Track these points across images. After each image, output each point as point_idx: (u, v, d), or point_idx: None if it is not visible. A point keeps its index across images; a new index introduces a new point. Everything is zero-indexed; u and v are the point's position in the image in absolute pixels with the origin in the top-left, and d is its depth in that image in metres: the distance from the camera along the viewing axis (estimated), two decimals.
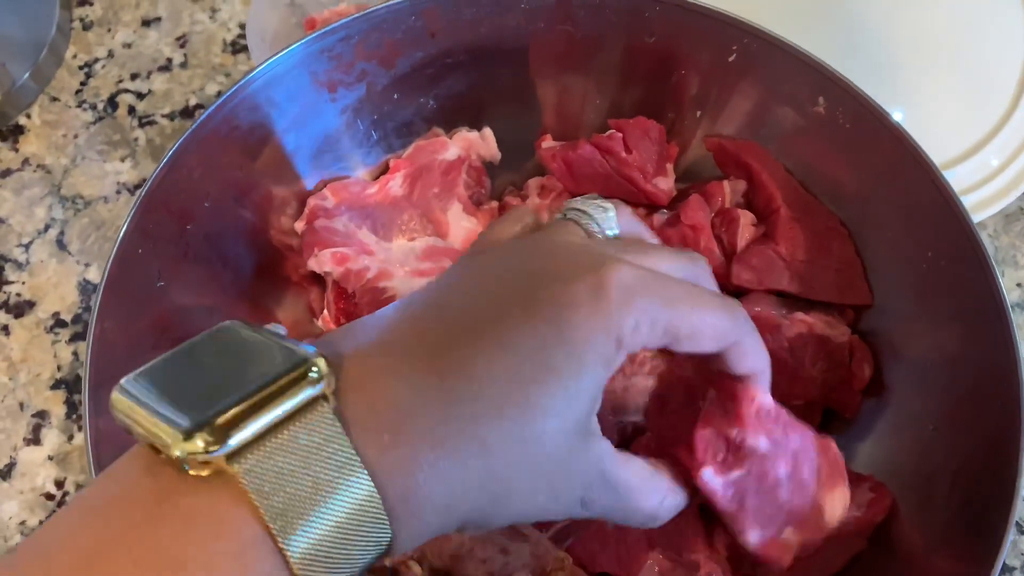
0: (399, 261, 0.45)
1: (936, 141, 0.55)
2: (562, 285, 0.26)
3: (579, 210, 0.32)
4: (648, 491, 0.30)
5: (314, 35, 0.42)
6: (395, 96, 0.48)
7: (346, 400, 0.24)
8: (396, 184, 0.48)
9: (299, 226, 0.45)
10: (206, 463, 0.21)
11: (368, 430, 0.23)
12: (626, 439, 0.45)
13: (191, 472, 0.21)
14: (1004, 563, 0.42)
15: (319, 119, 0.46)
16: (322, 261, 0.42)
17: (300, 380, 0.22)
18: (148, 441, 0.22)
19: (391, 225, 0.46)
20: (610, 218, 0.32)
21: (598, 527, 0.39)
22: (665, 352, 0.44)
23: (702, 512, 0.38)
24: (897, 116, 0.54)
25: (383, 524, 0.23)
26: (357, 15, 0.43)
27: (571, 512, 0.28)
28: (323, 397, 0.23)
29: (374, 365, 0.25)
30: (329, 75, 0.44)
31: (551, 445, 0.26)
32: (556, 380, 0.25)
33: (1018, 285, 0.55)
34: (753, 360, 0.30)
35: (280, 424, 0.22)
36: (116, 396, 0.23)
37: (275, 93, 0.43)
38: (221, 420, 0.21)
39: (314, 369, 0.23)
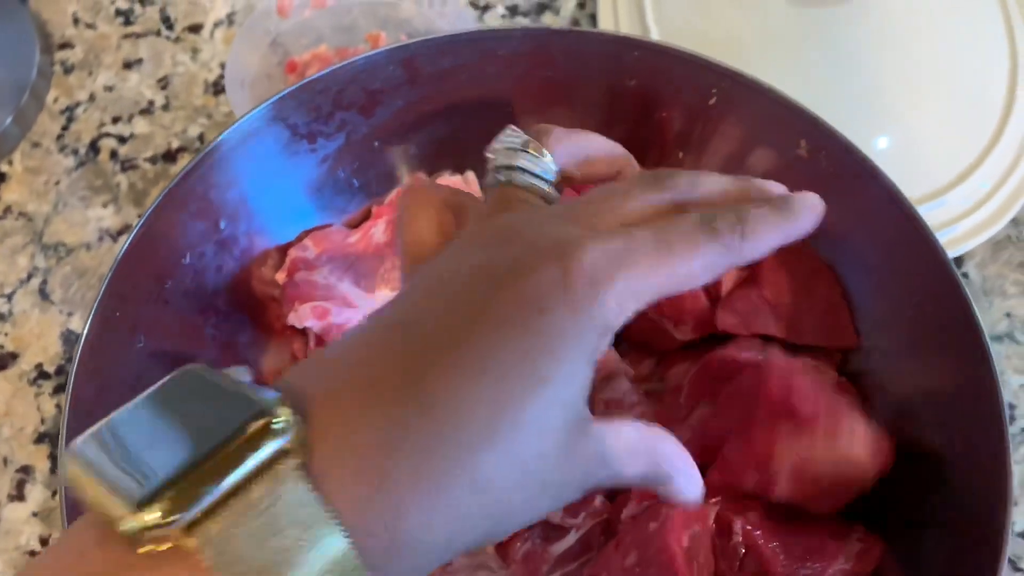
0: None
1: (923, 169, 0.55)
2: (529, 285, 0.24)
3: (510, 168, 0.29)
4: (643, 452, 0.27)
5: (291, 88, 0.42)
6: (375, 144, 0.47)
7: (317, 450, 0.21)
8: (379, 231, 0.48)
9: (280, 278, 0.45)
10: (162, 537, 0.19)
11: (344, 484, 0.21)
12: (614, 490, 0.44)
13: (144, 549, 0.19)
14: None
15: (299, 170, 0.46)
16: (302, 316, 0.42)
17: (263, 434, 0.20)
18: (99, 512, 0.20)
19: (373, 275, 0.46)
20: (547, 164, 0.30)
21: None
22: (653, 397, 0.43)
23: None
24: (883, 143, 0.54)
25: None
26: (335, 66, 0.43)
27: (573, 499, 0.26)
28: (289, 451, 0.21)
29: (344, 405, 0.23)
30: (308, 126, 0.44)
31: (552, 457, 0.24)
32: (547, 388, 0.23)
33: (1007, 315, 0.54)
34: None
35: (243, 486, 0.20)
36: (65, 461, 0.21)
37: (253, 147, 0.43)
38: (175, 489, 0.19)
39: (277, 420, 0.21)
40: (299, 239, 0.46)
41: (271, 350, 0.47)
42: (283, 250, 0.46)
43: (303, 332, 0.46)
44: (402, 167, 0.49)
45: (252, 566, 0.20)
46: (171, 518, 0.19)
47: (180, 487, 0.19)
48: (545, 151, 0.30)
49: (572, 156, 0.31)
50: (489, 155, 0.31)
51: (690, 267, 0.26)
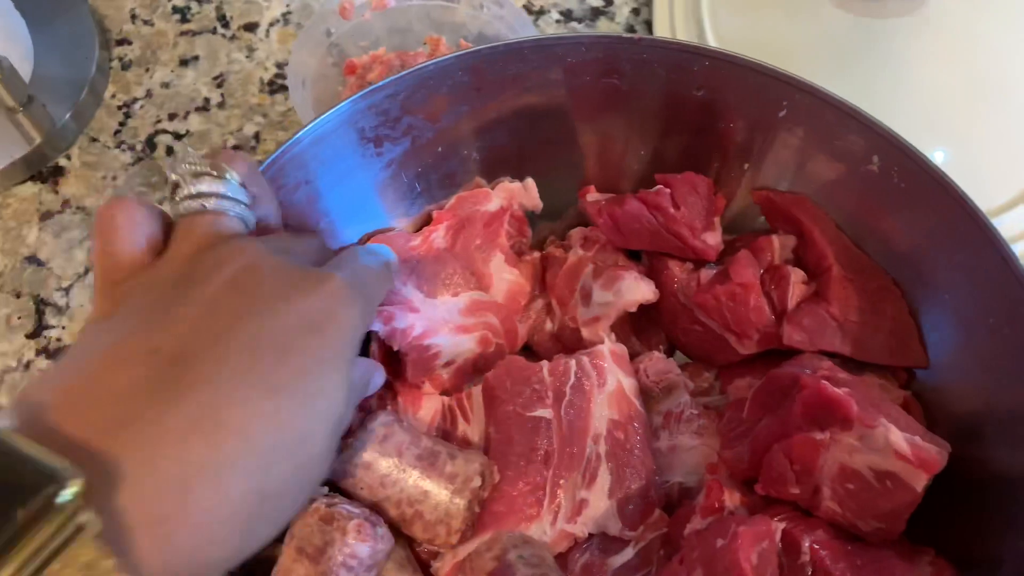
0: (443, 318, 0.44)
1: (981, 185, 0.55)
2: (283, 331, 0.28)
3: (202, 195, 0.30)
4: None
5: (364, 92, 0.42)
6: (439, 149, 0.47)
7: (112, 509, 0.23)
8: (439, 236, 0.48)
9: None
10: None
11: (139, 547, 0.23)
12: (672, 503, 0.44)
13: None
14: None
15: (365, 173, 0.45)
16: None
17: (48, 512, 0.20)
18: None
19: (435, 280, 0.46)
20: (234, 186, 0.31)
21: None
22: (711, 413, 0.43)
23: None
24: (939, 157, 0.53)
25: None
26: (405, 72, 0.43)
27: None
28: (81, 527, 0.21)
29: (131, 450, 0.24)
30: (376, 130, 0.44)
31: (322, 460, 0.29)
32: (324, 408, 0.29)
33: None
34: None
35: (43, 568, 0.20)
36: None
37: (322, 150, 0.42)
38: None
39: (65, 493, 0.20)
40: (361, 241, 0.46)
41: None
42: None
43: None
44: (463, 173, 0.49)
45: None
46: None
47: None
48: (226, 169, 0.31)
49: (249, 179, 0.33)
50: (174, 179, 0.31)
51: (384, 291, 0.38)
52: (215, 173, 0.30)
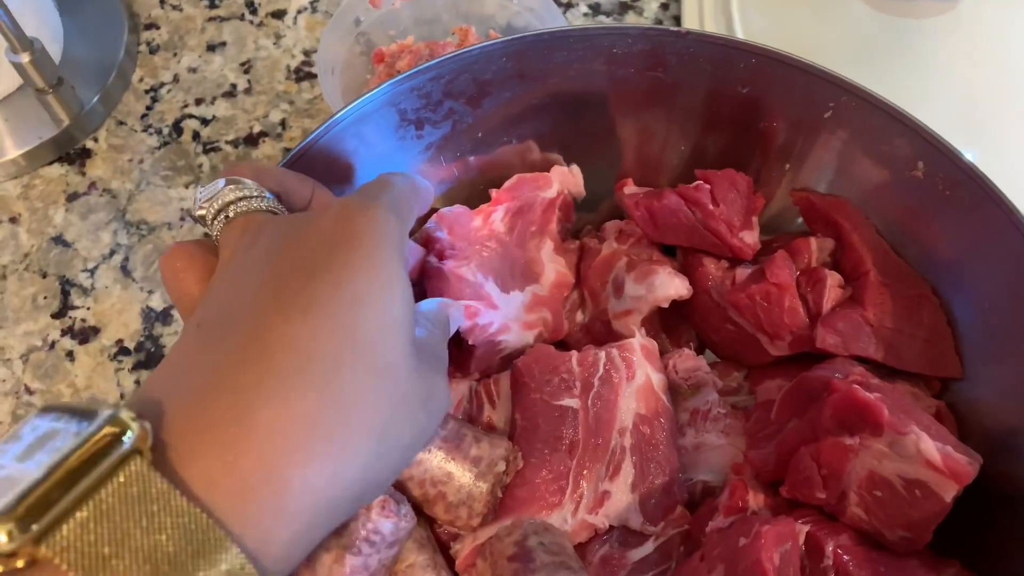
0: (515, 316, 0.45)
1: (1016, 189, 0.53)
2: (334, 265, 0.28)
3: (226, 206, 0.32)
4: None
5: (405, 75, 0.42)
6: (479, 135, 0.47)
7: (170, 446, 0.23)
8: (498, 218, 0.47)
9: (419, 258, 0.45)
10: (13, 554, 0.20)
11: (196, 463, 0.23)
12: (694, 500, 0.44)
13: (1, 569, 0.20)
14: None
15: (404, 155, 0.46)
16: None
17: (108, 442, 0.22)
18: None
19: (506, 275, 0.45)
20: (250, 185, 0.32)
21: None
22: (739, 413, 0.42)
23: None
24: (969, 156, 0.53)
25: (241, 559, 0.22)
26: (450, 55, 0.43)
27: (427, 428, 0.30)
28: (136, 452, 0.22)
29: (190, 398, 0.25)
30: (417, 113, 0.44)
31: (401, 370, 0.28)
32: (377, 312, 0.27)
33: None
34: None
35: (94, 489, 0.21)
36: None
37: (365, 129, 0.43)
38: (23, 505, 0.20)
39: (124, 427, 0.22)
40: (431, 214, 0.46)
41: None
42: None
43: None
44: (503, 160, 0.49)
45: (112, 565, 0.20)
46: (19, 536, 0.20)
47: (28, 504, 0.20)
48: (244, 180, 0.33)
49: (266, 181, 0.34)
50: (200, 213, 0.32)
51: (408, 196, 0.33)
52: (227, 186, 0.32)
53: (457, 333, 0.42)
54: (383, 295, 0.28)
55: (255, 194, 0.32)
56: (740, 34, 0.59)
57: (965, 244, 0.42)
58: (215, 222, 0.32)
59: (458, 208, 0.46)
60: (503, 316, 0.43)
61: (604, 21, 0.67)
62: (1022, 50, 0.55)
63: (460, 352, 0.44)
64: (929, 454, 0.36)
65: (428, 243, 0.44)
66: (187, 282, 0.32)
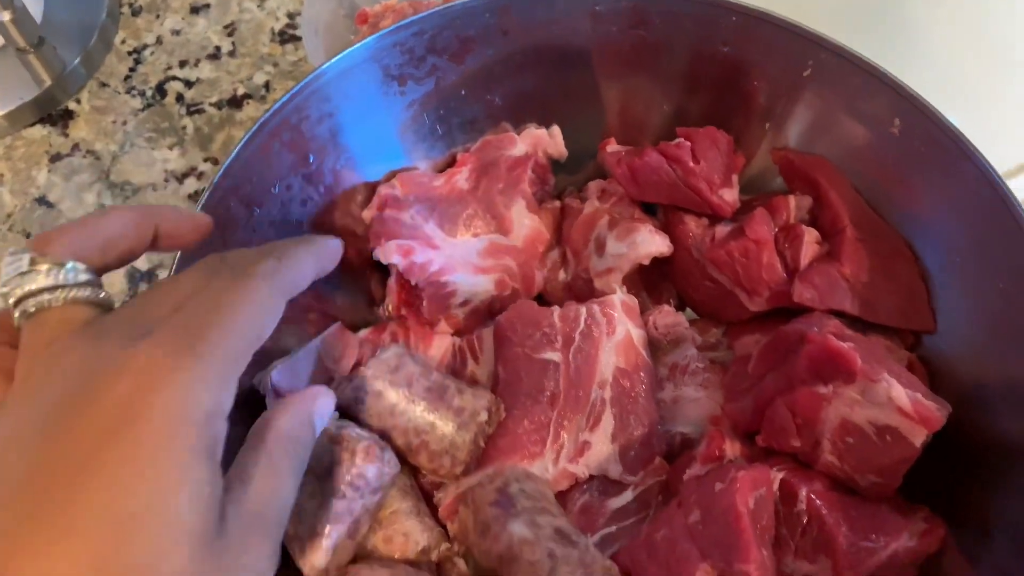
0: (462, 257, 0.45)
1: (995, 149, 0.54)
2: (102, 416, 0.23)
3: (29, 296, 0.26)
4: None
5: (388, 29, 0.42)
6: (463, 92, 0.48)
7: None
8: (462, 178, 0.48)
9: (367, 215, 0.45)
10: None
11: None
12: (673, 452, 0.45)
13: None
14: None
15: (387, 112, 0.46)
16: (388, 252, 0.43)
17: None
18: None
19: (456, 220, 0.46)
20: (68, 271, 0.27)
21: (646, 537, 0.39)
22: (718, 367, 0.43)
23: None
24: (954, 120, 0.53)
25: None
26: (432, 11, 0.43)
27: None
28: None
29: None
30: (400, 68, 0.45)
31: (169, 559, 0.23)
32: (153, 531, 0.22)
33: None
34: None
35: None
36: None
37: (347, 84, 0.43)
38: None
39: None
40: (387, 178, 0.46)
41: (344, 287, 0.48)
42: (369, 188, 0.46)
43: (381, 270, 0.47)
44: (485, 118, 0.49)
45: None
46: None
47: None
48: (61, 259, 0.27)
49: (87, 249, 0.28)
50: (3, 290, 0.27)
51: (249, 312, 0.26)
52: (45, 266, 0.27)
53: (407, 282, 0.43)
54: (165, 507, 0.23)
55: (66, 282, 0.27)
56: None
57: (939, 200, 0.42)
58: (16, 310, 0.27)
59: (419, 169, 0.46)
60: (445, 256, 0.44)
61: None
62: (1004, 15, 0.56)
63: (413, 299, 0.44)
64: (900, 400, 0.37)
65: (382, 201, 0.44)
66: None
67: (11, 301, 0.27)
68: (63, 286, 0.27)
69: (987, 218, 0.40)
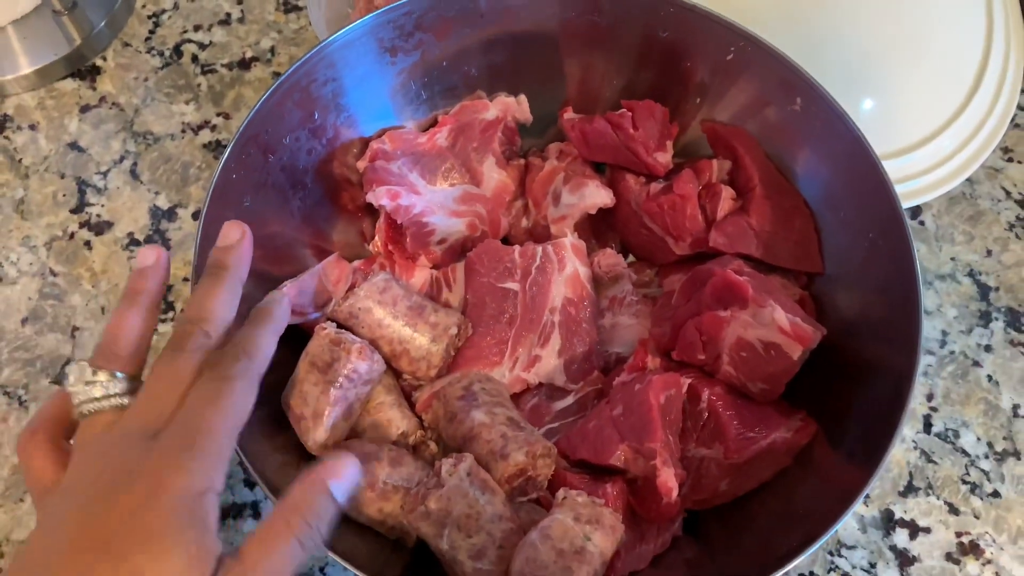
0: (440, 202, 0.54)
1: (899, 127, 0.62)
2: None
3: (87, 401, 0.35)
4: None
5: (384, 9, 0.51)
6: (444, 63, 0.56)
7: None
8: (442, 136, 0.57)
9: (361, 165, 0.54)
10: None
11: None
12: (608, 367, 0.55)
13: None
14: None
15: (380, 78, 0.55)
16: (378, 195, 0.52)
17: None
18: None
19: (436, 171, 0.55)
20: (109, 382, 0.35)
21: (580, 427, 0.49)
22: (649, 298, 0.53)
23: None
24: (868, 104, 0.61)
25: None
26: None
27: None
28: None
29: None
30: (392, 42, 0.53)
31: None
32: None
33: (952, 259, 0.64)
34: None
35: None
36: None
37: (348, 54, 0.51)
38: None
39: None
40: (378, 135, 0.55)
41: (340, 226, 0.57)
42: (364, 143, 0.55)
43: (372, 212, 0.56)
44: (463, 87, 0.58)
45: None
46: None
47: None
48: (113, 371, 0.36)
49: (131, 365, 0.37)
50: (71, 389, 0.36)
51: (231, 413, 0.34)
52: (98, 379, 0.36)
53: (394, 222, 0.52)
54: (164, 561, 0.30)
55: (114, 391, 0.35)
56: None
57: (829, 163, 0.52)
58: (76, 409, 0.36)
59: (407, 127, 0.55)
60: (426, 201, 0.53)
61: None
62: (913, 7, 0.63)
63: (399, 236, 0.54)
64: (781, 322, 0.47)
65: (373, 154, 0.53)
66: (37, 472, 0.35)
67: (76, 402, 0.36)
68: (111, 395, 0.36)
69: (862, 180, 0.50)
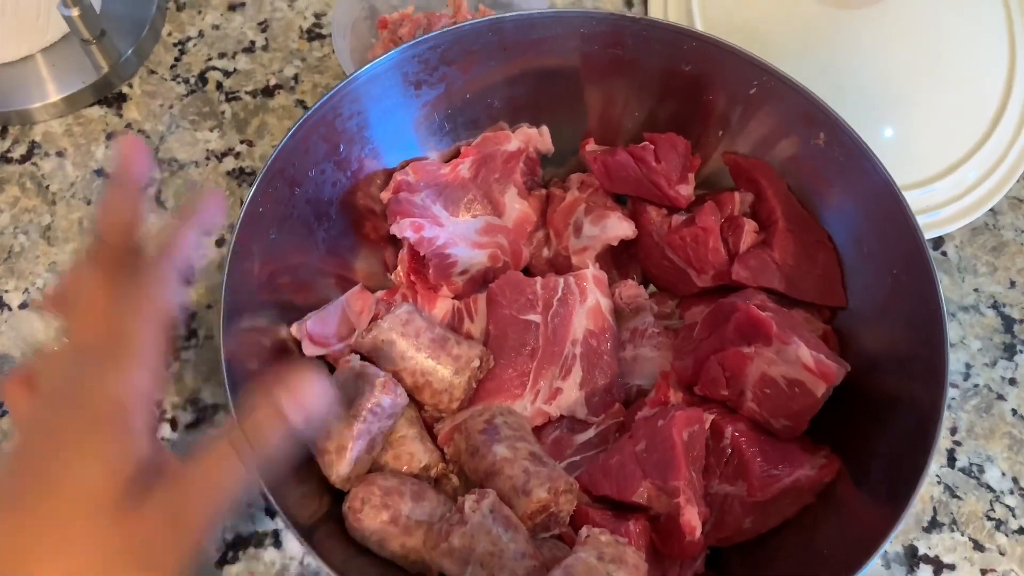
0: (462, 234, 0.54)
1: (920, 158, 0.62)
2: None
3: None
4: None
5: (409, 44, 0.52)
6: (467, 96, 0.57)
7: None
8: (465, 167, 0.57)
9: (385, 196, 0.55)
10: None
11: None
12: (629, 400, 0.55)
13: None
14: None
15: (405, 111, 0.55)
16: (402, 228, 0.52)
17: None
18: None
19: (459, 203, 0.56)
20: None
21: (602, 462, 0.49)
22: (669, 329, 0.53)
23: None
24: (888, 133, 0.61)
25: None
26: (445, 29, 0.52)
27: None
28: None
29: None
30: (417, 76, 0.54)
31: None
32: None
33: (975, 290, 0.64)
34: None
35: None
36: None
37: (374, 88, 0.52)
38: None
39: None
40: (402, 166, 0.56)
41: (362, 255, 0.57)
42: (387, 174, 0.56)
43: (394, 242, 0.56)
44: (486, 118, 0.59)
45: None
46: None
47: None
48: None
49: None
50: None
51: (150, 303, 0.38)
52: None
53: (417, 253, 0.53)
54: None
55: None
56: (699, 22, 0.67)
57: (852, 200, 0.52)
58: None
59: (430, 158, 0.56)
60: (449, 232, 0.54)
61: (583, 3, 0.76)
62: (933, 38, 0.64)
63: (421, 267, 0.54)
64: (805, 359, 0.47)
65: (397, 185, 0.54)
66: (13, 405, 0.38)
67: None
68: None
69: (887, 216, 0.50)
